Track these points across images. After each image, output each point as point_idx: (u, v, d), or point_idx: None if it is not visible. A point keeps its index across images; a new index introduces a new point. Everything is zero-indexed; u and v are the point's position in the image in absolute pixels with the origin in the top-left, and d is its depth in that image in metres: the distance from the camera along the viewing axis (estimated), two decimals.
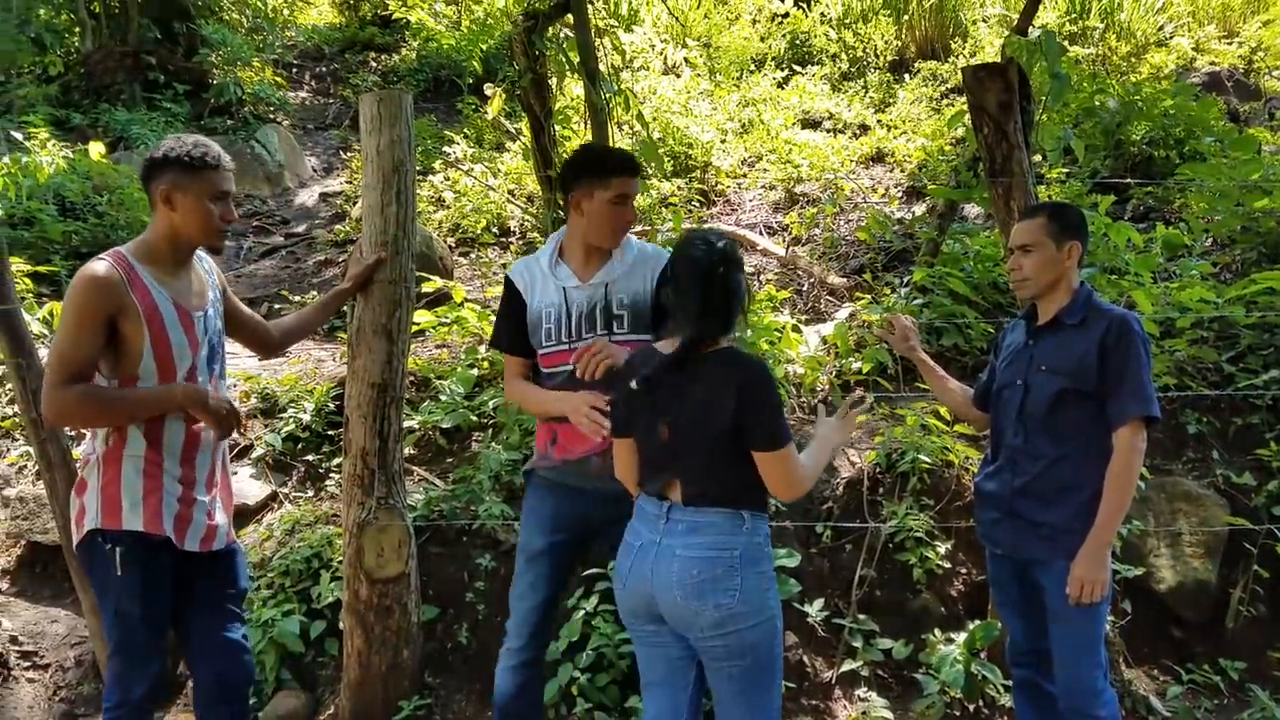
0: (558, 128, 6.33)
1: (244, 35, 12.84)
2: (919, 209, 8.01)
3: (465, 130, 10.36)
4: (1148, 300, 4.92)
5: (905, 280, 6.28)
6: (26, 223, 7.58)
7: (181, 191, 2.77)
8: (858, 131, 9.99)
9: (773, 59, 11.75)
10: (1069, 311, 2.95)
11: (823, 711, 3.87)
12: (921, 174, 8.60)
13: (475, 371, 5.30)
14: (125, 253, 2.79)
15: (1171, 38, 10.85)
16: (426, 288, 6.10)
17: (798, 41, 12.00)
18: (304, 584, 4.21)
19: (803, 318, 6.24)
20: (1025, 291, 3.03)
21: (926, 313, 5.48)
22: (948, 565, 4.23)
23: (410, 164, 3.58)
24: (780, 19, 12.30)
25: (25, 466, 5.00)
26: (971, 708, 3.84)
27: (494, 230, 8.55)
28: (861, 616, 4.12)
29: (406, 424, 4.65)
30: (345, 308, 3.66)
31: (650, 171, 8.41)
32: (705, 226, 7.62)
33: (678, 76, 11.08)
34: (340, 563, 3.96)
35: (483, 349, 5.51)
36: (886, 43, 11.47)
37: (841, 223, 8.15)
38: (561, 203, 3.19)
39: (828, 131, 9.97)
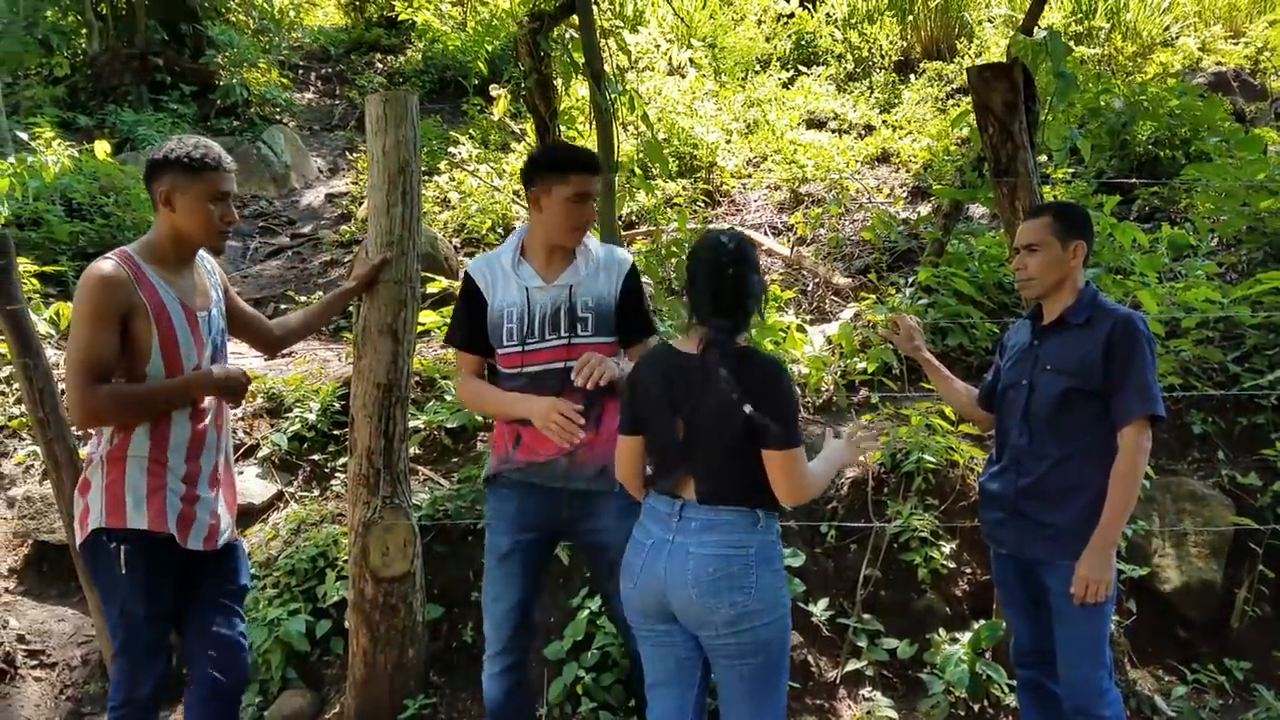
0: (563, 128, 6.32)
1: (250, 37, 12.87)
2: (924, 209, 8.01)
3: (471, 131, 10.37)
4: (1153, 300, 4.92)
5: (910, 280, 6.27)
6: (34, 223, 7.61)
7: (181, 192, 2.78)
8: (863, 132, 9.98)
9: (778, 59, 11.75)
10: (1074, 311, 2.95)
11: (827, 711, 3.87)
12: (927, 174, 8.60)
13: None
14: (131, 252, 2.80)
15: (1177, 38, 10.83)
16: (431, 288, 6.11)
17: (803, 42, 12.00)
18: (309, 583, 4.22)
19: (808, 318, 6.25)
20: (1030, 291, 3.03)
21: (931, 313, 5.48)
22: (952, 565, 4.23)
23: (415, 164, 3.59)
24: (785, 19, 12.30)
25: (32, 466, 5.02)
26: (976, 708, 3.84)
27: (499, 231, 8.56)
28: (866, 616, 4.12)
29: (412, 424, 4.66)
30: (351, 308, 3.67)
31: (655, 172, 8.42)
32: (724, 227, 7.64)
33: (683, 77, 11.09)
34: (346, 562, 3.97)
35: None
36: (892, 43, 11.47)
37: (846, 223, 8.15)
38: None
39: (833, 132, 9.98)
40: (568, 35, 6.00)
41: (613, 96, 5.50)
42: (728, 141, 9.72)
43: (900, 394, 5.08)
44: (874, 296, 6.14)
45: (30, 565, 4.69)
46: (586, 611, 3.92)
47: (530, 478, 3.00)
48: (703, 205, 8.73)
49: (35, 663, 4.26)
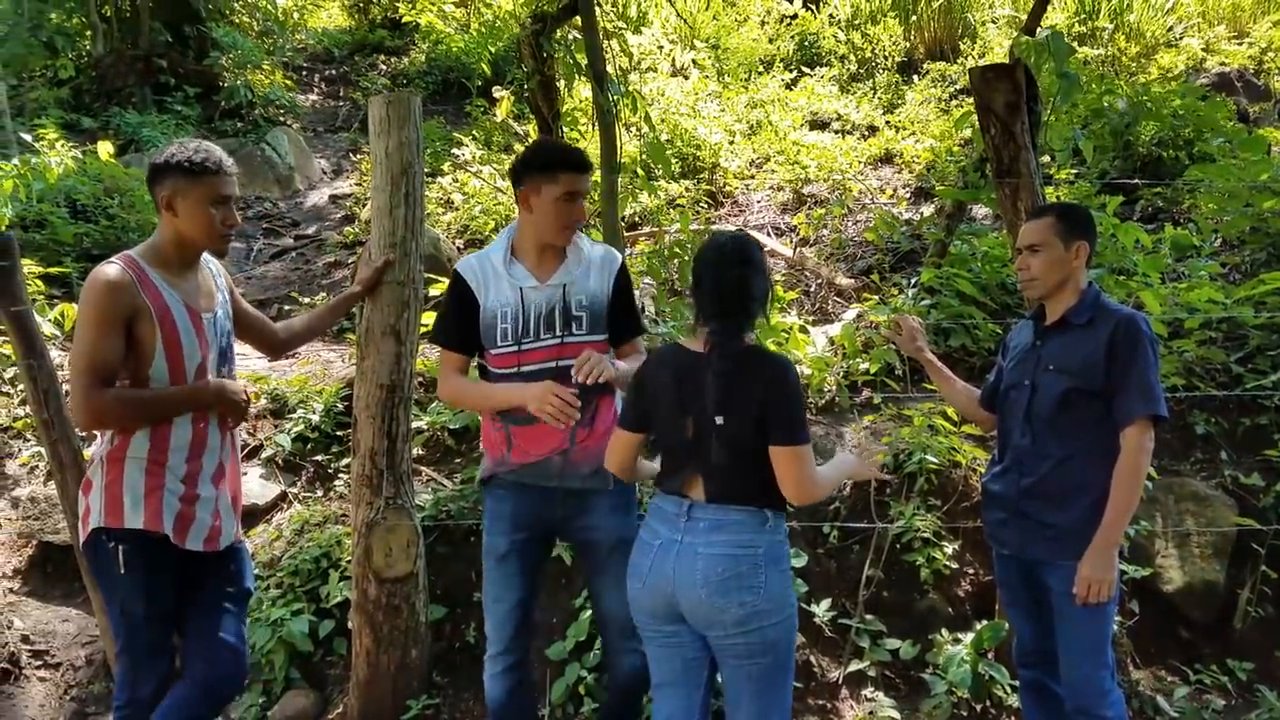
0: (566, 130, 6.34)
1: (254, 38, 12.90)
2: (927, 210, 8.01)
3: (474, 132, 10.39)
4: (1156, 301, 4.92)
5: (913, 281, 6.28)
6: (38, 225, 7.63)
7: (183, 197, 2.79)
8: (866, 133, 9.99)
9: (781, 60, 11.76)
10: (1076, 311, 2.95)
11: (830, 711, 3.88)
12: (930, 175, 8.60)
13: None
14: (134, 255, 2.81)
15: (1181, 38, 10.83)
16: (434, 289, 6.12)
17: (806, 43, 12.01)
18: (313, 583, 4.23)
19: (810, 318, 6.25)
20: (1033, 291, 3.03)
21: (934, 313, 5.48)
22: (955, 566, 4.23)
23: (419, 166, 3.60)
24: (789, 20, 12.31)
25: (37, 467, 5.04)
26: (979, 708, 3.84)
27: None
28: (869, 617, 4.12)
29: (415, 424, 4.67)
30: (354, 309, 3.68)
31: (658, 173, 8.43)
32: (731, 229, 7.64)
33: (686, 78, 11.10)
34: (349, 562, 3.98)
35: None
36: (895, 44, 11.47)
37: (849, 224, 8.16)
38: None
39: (836, 133, 9.98)
40: (570, 37, 6.01)
41: (615, 98, 5.50)
42: (731, 142, 9.73)
43: (903, 395, 5.08)
44: (877, 297, 6.15)
45: (35, 566, 4.70)
46: (589, 611, 3.93)
47: (524, 478, 3.00)
48: (705, 206, 8.74)
49: (40, 663, 4.27)
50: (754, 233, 7.95)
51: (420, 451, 4.93)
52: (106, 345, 2.67)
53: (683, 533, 2.56)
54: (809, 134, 9.76)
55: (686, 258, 6.21)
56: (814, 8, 12.32)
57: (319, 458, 5.06)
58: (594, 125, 5.83)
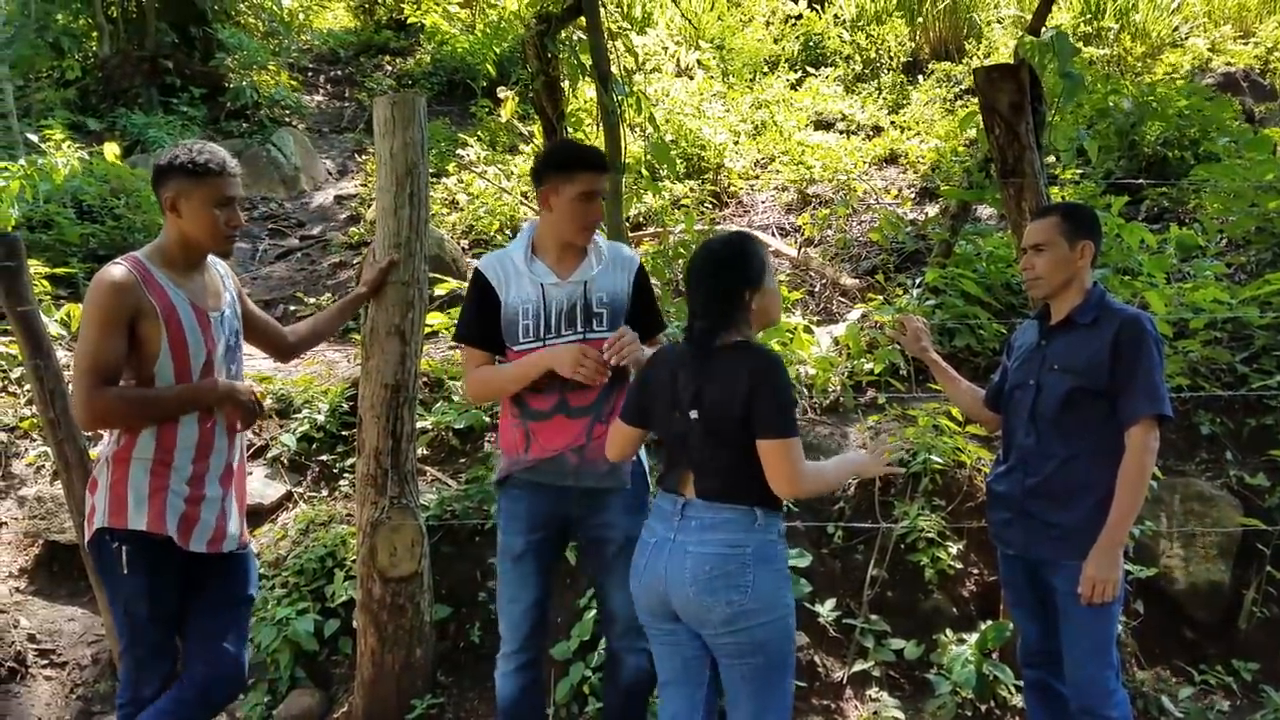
0: (570, 130, 6.34)
1: (260, 39, 12.92)
2: (932, 210, 8.00)
3: (479, 133, 10.40)
4: (1161, 301, 4.91)
5: (918, 281, 6.27)
6: (45, 225, 7.66)
7: (186, 198, 2.79)
8: (871, 133, 9.98)
9: (786, 61, 11.75)
10: (1081, 311, 2.95)
11: (834, 711, 3.88)
12: (935, 175, 8.60)
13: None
14: (140, 257, 2.82)
15: (1187, 38, 10.81)
16: (439, 289, 6.13)
17: (811, 43, 12.00)
18: (318, 583, 4.24)
19: (815, 319, 6.25)
20: (1038, 291, 3.03)
21: (939, 313, 5.47)
22: (959, 566, 4.23)
23: (423, 166, 3.60)
24: (793, 21, 12.30)
25: (43, 466, 5.05)
26: (983, 708, 3.83)
27: (507, 232, 8.58)
28: (873, 617, 4.12)
29: (420, 424, 4.68)
30: (359, 309, 3.68)
31: (662, 173, 8.42)
32: (731, 230, 7.65)
33: (691, 79, 11.10)
34: (354, 562, 3.99)
35: None
36: (900, 44, 11.46)
37: (854, 224, 8.15)
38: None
39: (841, 133, 9.97)
40: (575, 37, 6.02)
41: (619, 98, 5.51)
42: (735, 143, 9.73)
43: (907, 395, 5.08)
44: (881, 297, 6.14)
45: (41, 565, 4.72)
46: (593, 612, 3.93)
47: (541, 477, 3.01)
48: (710, 206, 8.74)
49: (46, 662, 4.29)
50: (758, 233, 7.95)
51: (425, 451, 4.94)
52: (109, 345, 2.68)
53: (676, 531, 2.58)
54: (814, 134, 9.75)
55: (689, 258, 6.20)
56: (819, 8, 12.31)
57: (324, 457, 5.07)
58: (599, 126, 5.83)
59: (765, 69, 11.52)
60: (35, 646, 4.32)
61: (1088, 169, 7.45)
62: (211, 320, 2.88)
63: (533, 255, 3.04)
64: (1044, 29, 5.95)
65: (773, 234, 8.10)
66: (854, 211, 8.28)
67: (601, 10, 5.71)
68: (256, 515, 4.66)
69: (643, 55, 10.82)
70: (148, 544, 2.77)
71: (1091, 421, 2.88)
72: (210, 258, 2.98)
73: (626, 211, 6.96)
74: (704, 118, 9.90)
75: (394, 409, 3.63)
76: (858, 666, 3.98)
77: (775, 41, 12.10)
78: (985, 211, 7.47)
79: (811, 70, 11.47)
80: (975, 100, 3.94)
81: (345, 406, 5.14)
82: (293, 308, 7.47)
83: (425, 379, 5.32)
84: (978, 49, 11.05)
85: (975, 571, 4.29)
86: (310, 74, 13.53)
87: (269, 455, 5.05)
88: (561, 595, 4.13)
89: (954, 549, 4.23)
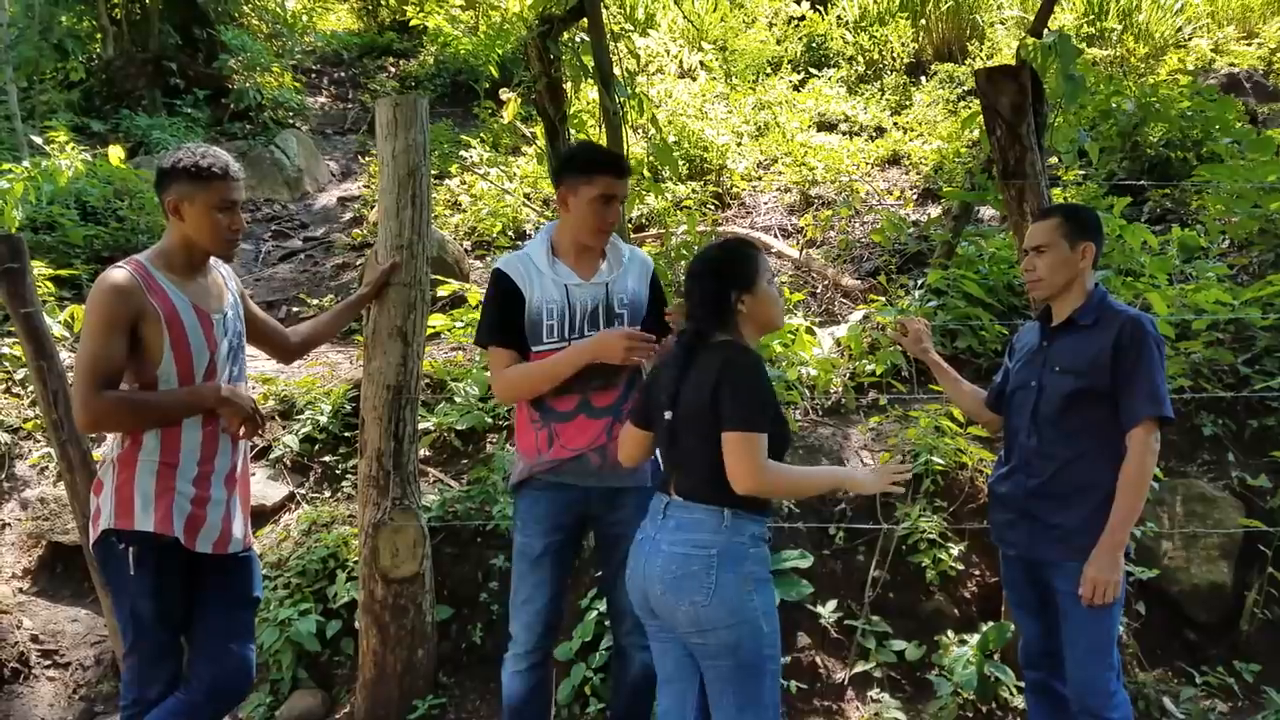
0: (573, 131, 6.34)
1: (264, 41, 12.93)
2: (934, 211, 8.00)
3: (482, 134, 10.41)
4: (1163, 302, 4.90)
5: (920, 282, 6.27)
6: (48, 227, 7.68)
7: (189, 202, 2.80)
8: (874, 134, 9.97)
9: (789, 62, 11.74)
10: (1083, 312, 2.95)
11: (835, 713, 3.88)
12: (937, 176, 8.59)
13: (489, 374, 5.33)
14: (142, 260, 2.83)
15: (1190, 39, 10.79)
16: (442, 291, 6.14)
17: (814, 44, 11.99)
18: (320, 584, 4.25)
19: (816, 320, 6.25)
20: (1039, 292, 3.03)
21: (941, 315, 5.47)
22: (961, 567, 4.23)
23: (425, 168, 3.61)
24: (796, 22, 12.30)
25: (46, 468, 5.07)
26: (984, 709, 3.84)
27: (509, 233, 8.59)
28: (874, 618, 4.12)
29: (422, 426, 4.69)
30: (361, 310, 3.69)
31: (665, 175, 8.43)
32: (729, 235, 7.66)
33: (693, 80, 11.10)
34: (356, 563, 4.00)
35: None
36: (903, 45, 11.45)
37: (856, 225, 8.16)
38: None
39: (844, 134, 9.96)
40: (578, 39, 6.02)
41: (622, 100, 5.51)
42: (738, 144, 9.72)
43: (909, 396, 5.08)
44: (883, 299, 6.14)
45: (44, 566, 4.73)
46: (595, 612, 3.94)
47: (563, 477, 3.02)
48: (713, 208, 8.74)
49: (49, 662, 4.30)
50: (761, 234, 7.95)
51: (427, 452, 4.94)
52: (109, 349, 2.69)
53: (658, 529, 2.61)
54: (816, 135, 9.74)
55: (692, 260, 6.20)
56: (821, 9, 12.31)
57: (326, 459, 5.08)
58: (601, 127, 5.83)
59: (768, 70, 11.51)
60: (38, 647, 4.33)
61: (1090, 170, 7.45)
62: (214, 322, 2.88)
63: (554, 256, 3.05)
64: (1046, 30, 5.94)
65: (775, 235, 8.10)
66: (856, 213, 8.28)
67: (604, 12, 5.71)
68: (259, 516, 4.67)
69: (645, 57, 10.84)
70: (154, 545, 2.78)
71: (1093, 423, 2.88)
72: (213, 260, 2.98)
73: (629, 213, 6.96)
74: (706, 119, 9.90)
75: (396, 410, 3.64)
76: (859, 667, 3.98)
77: (778, 43, 12.09)
78: (987, 213, 7.47)
79: (814, 71, 11.46)
80: (977, 101, 3.94)
81: (348, 408, 5.15)
82: (296, 309, 7.48)
83: (427, 380, 5.33)
84: (980, 50, 11.03)
85: (977, 573, 4.30)
86: (314, 76, 13.55)
87: (271, 456, 5.06)
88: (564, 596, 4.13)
89: (955, 550, 4.23)
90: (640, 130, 8.79)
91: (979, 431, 4.52)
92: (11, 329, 4.28)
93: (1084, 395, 2.88)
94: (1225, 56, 10.35)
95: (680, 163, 8.88)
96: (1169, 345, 4.57)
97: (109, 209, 8.21)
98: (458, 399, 5.21)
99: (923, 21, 11.67)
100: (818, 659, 4.01)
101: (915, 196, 8.55)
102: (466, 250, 8.21)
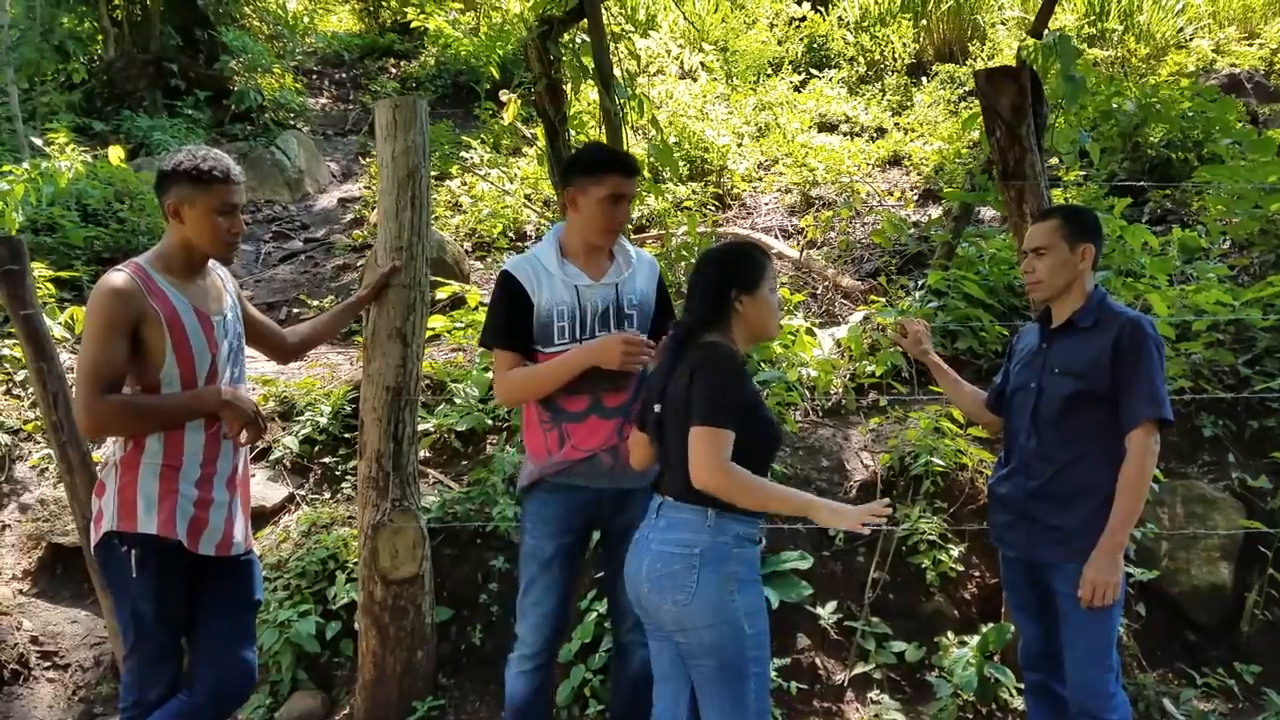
0: (573, 132, 6.35)
1: (265, 42, 12.94)
2: (934, 212, 8.00)
3: (482, 135, 10.41)
4: (1164, 303, 4.90)
5: (920, 283, 6.27)
6: (49, 228, 7.68)
7: (190, 205, 2.79)
8: (874, 135, 9.97)
9: (790, 63, 11.74)
10: (1082, 314, 2.95)
11: (835, 714, 3.88)
12: (938, 177, 8.59)
13: (490, 375, 5.33)
14: (142, 263, 2.82)
15: (1191, 39, 10.78)
16: (441, 292, 6.14)
17: (815, 45, 11.99)
18: (320, 585, 4.25)
19: (817, 321, 6.24)
20: (1039, 294, 3.03)
21: (941, 316, 5.47)
22: (961, 568, 4.23)
23: (425, 169, 3.61)
24: (797, 23, 12.29)
25: (46, 469, 5.07)
26: (984, 711, 3.84)
27: (510, 234, 8.59)
28: (874, 619, 4.12)
29: (421, 427, 4.69)
30: (361, 312, 3.69)
31: (665, 175, 8.43)
32: (734, 237, 7.65)
33: (694, 81, 11.10)
34: (355, 564, 4.00)
35: None
36: (904, 46, 11.44)
37: (857, 226, 8.15)
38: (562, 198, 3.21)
39: (845, 135, 9.96)
40: (578, 39, 6.02)
41: (622, 101, 5.51)
42: (739, 145, 9.72)
43: (909, 397, 5.07)
44: (883, 300, 6.14)
45: (44, 567, 4.73)
46: (594, 614, 3.94)
47: (574, 479, 3.02)
48: (713, 209, 8.74)
49: (48, 664, 4.30)
50: (761, 235, 7.95)
51: (426, 454, 4.94)
52: (110, 353, 2.69)
53: (650, 528, 2.62)
54: (817, 136, 9.74)
55: (693, 260, 6.21)
56: (823, 10, 12.30)
57: (326, 460, 5.08)
58: (601, 128, 5.84)
59: (769, 71, 11.51)
60: (38, 649, 4.33)
61: (1091, 171, 7.44)
62: (214, 324, 2.88)
63: (563, 258, 3.05)
64: (1047, 31, 5.94)
65: (775, 236, 8.10)
66: (857, 213, 8.28)
67: (604, 13, 5.71)
68: (259, 517, 4.67)
69: (646, 58, 10.84)
70: (157, 548, 2.78)
71: (1092, 424, 2.88)
72: (211, 262, 2.98)
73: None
74: (707, 120, 9.90)
75: (395, 412, 3.64)
76: (859, 669, 3.98)
77: (779, 43, 12.09)
78: (988, 213, 7.47)
79: (815, 72, 11.46)
80: (978, 102, 3.94)
81: (348, 409, 5.15)
82: (296, 310, 7.49)
83: (427, 382, 5.33)
84: (982, 51, 11.03)
85: (976, 574, 4.29)
86: (315, 77, 13.55)
87: (271, 458, 5.06)
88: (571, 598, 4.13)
89: (955, 551, 4.23)
90: (640, 131, 8.80)
91: (979, 433, 4.52)
92: (11, 331, 4.28)
93: (1084, 397, 2.88)
94: (1226, 57, 10.34)
95: (681, 164, 8.88)
96: (1169, 346, 4.56)
97: (109, 210, 8.22)
98: (457, 400, 5.21)
99: (924, 22, 11.66)
100: (817, 660, 4.01)
101: (916, 197, 8.55)
102: (467, 251, 8.21)
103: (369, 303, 3.59)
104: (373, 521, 3.66)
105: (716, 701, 2.51)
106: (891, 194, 8.65)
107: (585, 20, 5.71)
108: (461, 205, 9.09)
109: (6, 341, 5.59)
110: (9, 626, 4.35)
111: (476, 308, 6.01)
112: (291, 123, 11.79)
